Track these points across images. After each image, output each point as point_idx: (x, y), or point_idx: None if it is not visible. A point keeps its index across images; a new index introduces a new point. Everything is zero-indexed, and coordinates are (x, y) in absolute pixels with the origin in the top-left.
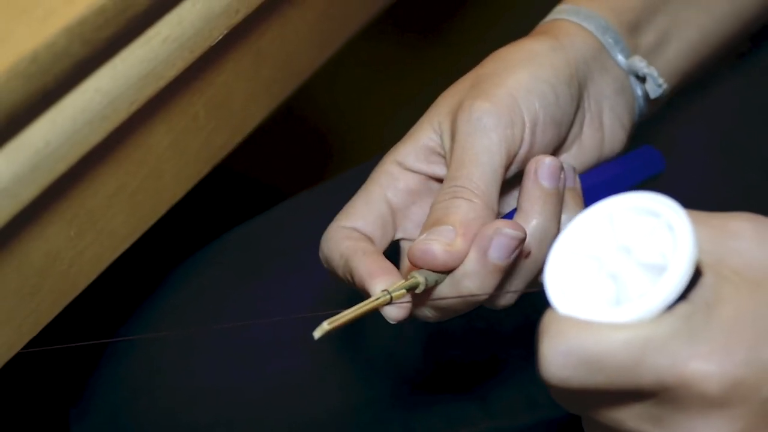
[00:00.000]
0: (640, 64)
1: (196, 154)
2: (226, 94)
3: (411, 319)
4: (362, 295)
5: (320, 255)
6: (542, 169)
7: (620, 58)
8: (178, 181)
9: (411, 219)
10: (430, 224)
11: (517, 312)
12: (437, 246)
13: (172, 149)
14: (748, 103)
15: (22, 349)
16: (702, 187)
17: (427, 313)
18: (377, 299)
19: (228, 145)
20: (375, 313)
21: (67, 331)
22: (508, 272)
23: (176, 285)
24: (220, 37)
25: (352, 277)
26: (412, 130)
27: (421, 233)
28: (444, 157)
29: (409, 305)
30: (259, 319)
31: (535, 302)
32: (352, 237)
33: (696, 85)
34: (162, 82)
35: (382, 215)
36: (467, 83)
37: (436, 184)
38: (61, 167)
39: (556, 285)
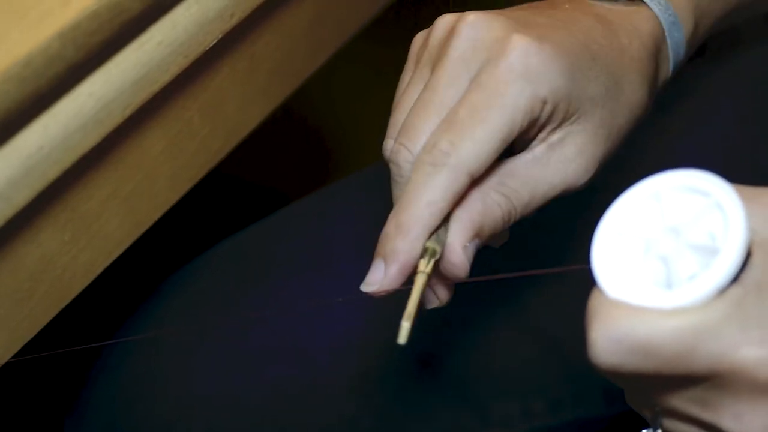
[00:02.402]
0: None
1: (190, 158)
2: (220, 98)
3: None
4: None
5: None
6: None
7: (673, 55)
8: (172, 185)
9: None
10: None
11: (513, 321)
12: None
13: (166, 154)
14: (743, 109)
15: (15, 355)
16: None
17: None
18: (421, 283)
19: (223, 150)
20: (369, 320)
21: (61, 339)
22: None
23: (173, 292)
24: (215, 42)
25: None
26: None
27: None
28: None
29: (448, 289)
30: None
31: (530, 310)
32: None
33: (694, 91)
34: (156, 87)
35: None
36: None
37: None
38: (54, 172)
39: (603, 266)
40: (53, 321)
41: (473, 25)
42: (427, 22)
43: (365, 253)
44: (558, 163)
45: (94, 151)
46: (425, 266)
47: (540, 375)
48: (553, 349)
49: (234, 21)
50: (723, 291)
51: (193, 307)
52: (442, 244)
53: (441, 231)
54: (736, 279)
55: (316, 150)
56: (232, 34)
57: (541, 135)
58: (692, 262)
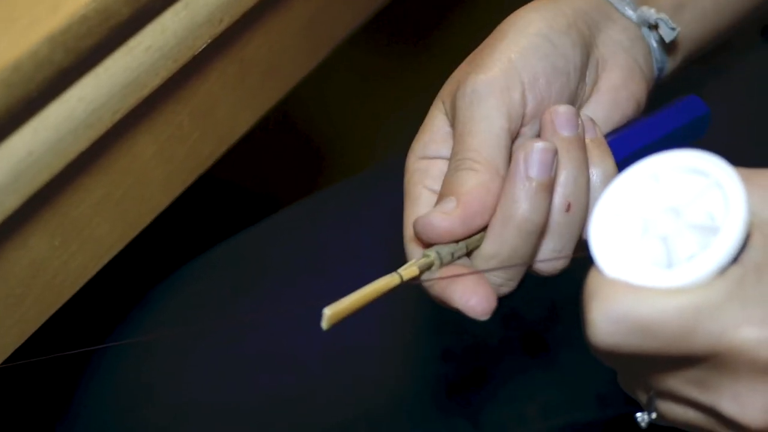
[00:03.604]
0: (649, 12)
1: (181, 162)
2: (211, 103)
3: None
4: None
5: None
6: (558, 119)
7: (629, 12)
8: (163, 190)
9: None
10: (437, 201)
11: (505, 326)
12: (435, 216)
13: (157, 158)
14: (733, 115)
15: (5, 361)
16: None
17: (494, 279)
18: (385, 280)
19: (214, 154)
20: (364, 326)
21: (52, 344)
22: (556, 230)
23: (165, 297)
24: (204, 46)
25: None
26: (424, 122)
27: None
28: None
29: (490, 298)
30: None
31: (521, 313)
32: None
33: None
34: (146, 91)
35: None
36: (465, 65)
37: None
38: (44, 176)
39: (601, 246)
40: (44, 326)
41: None
42: (417, 29)
43: (358, 257)
44: None
45: (85, 156)
46: (407, 268)
47: (532, 379)
48: (545, 353)
49: (223, 26)
50: (724, 270)
51: (185, 312)
52: (442, 261)
53: (447, 248)
54: (736, 259)
55: (309, 155)
56: (222, 39)
57: None
58: (692, 242)
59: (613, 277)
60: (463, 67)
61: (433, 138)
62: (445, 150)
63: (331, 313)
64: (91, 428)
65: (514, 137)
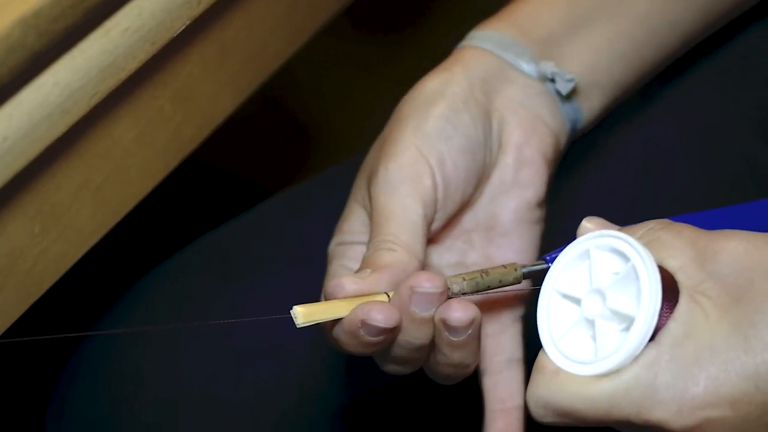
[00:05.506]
0: (547, 66)
1: (163, 147)
2: (191, 86)
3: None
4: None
5: None
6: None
7: (526, 67)
8: (145, 175)
9: None
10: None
11: None
12: (347, 279)
13: (137, 143)
14: (725, 96)
15: None
16: (683, 186)
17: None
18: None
19: (196, 138)
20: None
21: (39, 334)
22: None
23: (152, 288)
24: (183, 28)
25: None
26: (343, 213)
27: None
28: None
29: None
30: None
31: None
32: None
33: (670, 82)
34: (124, 74)
35: None
36: (375, 152)
37: None
38: (20, 162)
39: (545, 325)
40: (30, 317)
41: None
42: (402, 19)
43: None
44: None
45: (62, 141)
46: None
47: None
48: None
49: (202, 7)
50: (637, 356)
51: (174, 302)
52: (464, 288)
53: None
54: (653, 338)
55: (296, 141)
56: (201, 21)
57: None
58: (612, 328)
59: (552, 359)
60: (374, 154)
61: (350, 226)
62: (363, 236)
63: (305, 320)
64: (81, 418)
65: (430, 222)
